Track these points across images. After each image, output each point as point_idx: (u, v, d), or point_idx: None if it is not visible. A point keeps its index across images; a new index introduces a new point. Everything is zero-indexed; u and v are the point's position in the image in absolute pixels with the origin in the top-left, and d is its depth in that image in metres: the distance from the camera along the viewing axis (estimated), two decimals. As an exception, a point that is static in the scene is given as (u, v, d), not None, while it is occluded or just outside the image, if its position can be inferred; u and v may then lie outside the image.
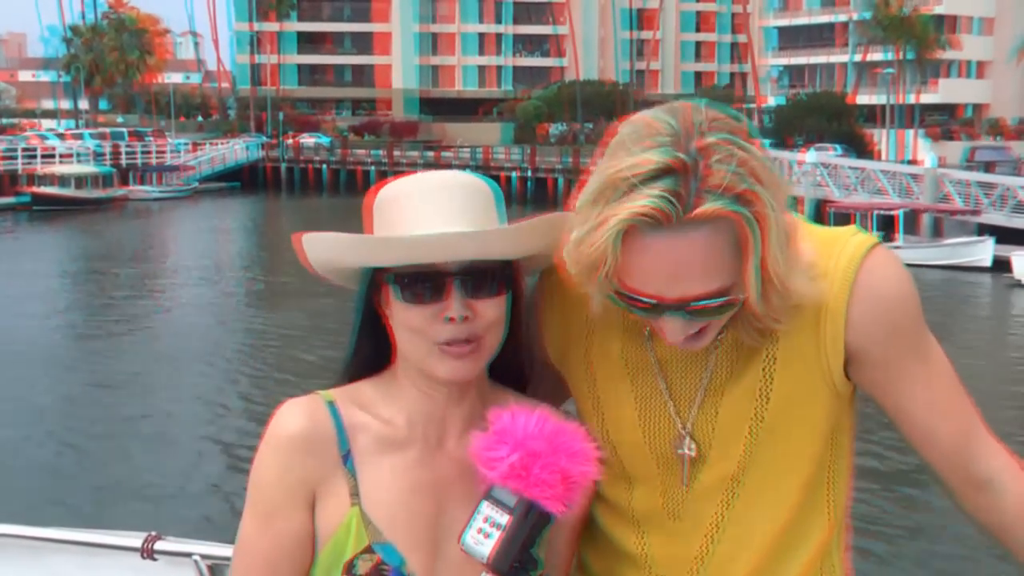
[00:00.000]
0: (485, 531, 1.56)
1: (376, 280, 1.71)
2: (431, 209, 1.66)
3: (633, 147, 1.48)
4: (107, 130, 71.74)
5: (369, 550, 1.66)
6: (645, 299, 1.53)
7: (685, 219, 1.45)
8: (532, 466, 1.56)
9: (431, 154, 68.72)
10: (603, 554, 1.89)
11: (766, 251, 1.49)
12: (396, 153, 68.76)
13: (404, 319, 1.67)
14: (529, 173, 61.85)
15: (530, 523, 1.56)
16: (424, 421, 1.74)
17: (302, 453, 1.69)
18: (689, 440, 1.74)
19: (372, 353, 1.78)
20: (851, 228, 1.73)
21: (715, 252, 1.48)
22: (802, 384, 1.70)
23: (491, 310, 1.66)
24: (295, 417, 1.70)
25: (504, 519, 1.56)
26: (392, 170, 65.82)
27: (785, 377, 1.70)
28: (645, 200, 1.44)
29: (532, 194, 59.43)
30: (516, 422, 1.60)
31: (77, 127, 79.75)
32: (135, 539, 2.88)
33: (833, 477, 1.80)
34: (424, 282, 1.64)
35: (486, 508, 1.58)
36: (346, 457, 1.70)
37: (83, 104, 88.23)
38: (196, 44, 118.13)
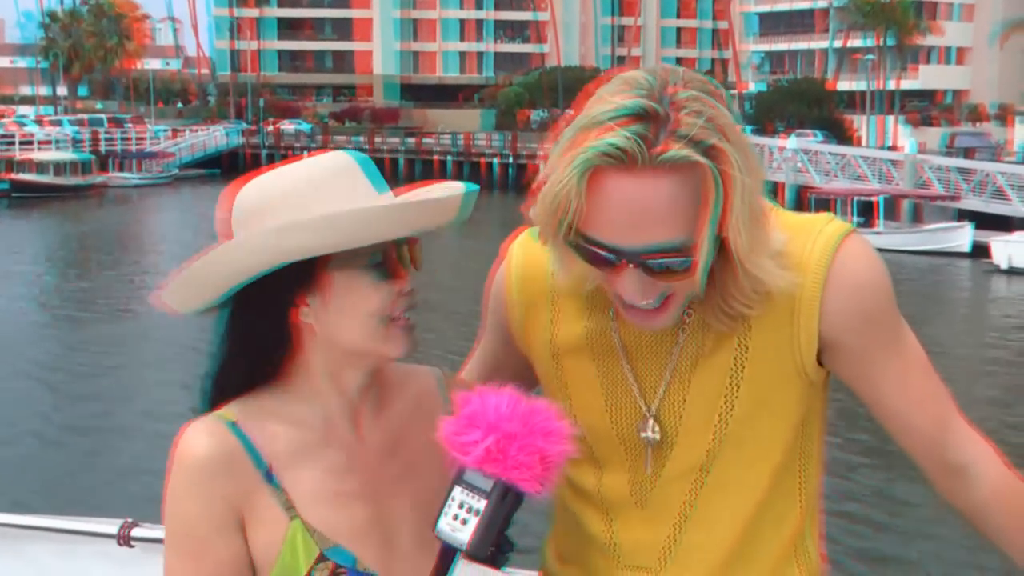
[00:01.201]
0: (461, 517, 1.53)
1: (294, 284, 1.60)
2: (350, 185, 1.62)
3: (608, 98, 1.49)
4: (86, 116, 71.29)
5: (322, 558, 1.60)
6: (606, 247, 1.52)
7: (651, 161, 1.45)
8: (509, 448, 1.52)
9: (412, 140, 68.51)
10: (572, 539, 1.88)
11: (727, 211, 1.48)
12: (377, 139, 68.53)
13: (364, 303, 1.61)
14: (510, 159, 61.66)
15: (507, 506, 1.53)
16: (338, 417, 1.68)
17: (221, 477, 1.58)
18: (653, 423, 1.73)
19: (247, 368, 1.66)
20: (825, 216, 1.71)
21: (678, 202, 1.47)
22: (774, 372, 1.69)
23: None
24: (204, 441, 1.59)
25: (480, 504, 1.53)
26: (373, 156, 64.83)
27: (757, 365, 1.68)
28: (613, 137, 1.45)
29: (513, 180, 59.34)
30: (487, 404, 1.56)
31: (56, 113, 79.29)
32: (111, 526, 2.87)
33: (803, 464, 1.79)
34: (387, 259, 1.63)
35: (459, 493, 1.54)
36: (268, 474, 1.61)
37: (61, 90, 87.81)
38: (175, 30, 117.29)
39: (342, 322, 1.62)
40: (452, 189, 1.69)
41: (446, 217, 1.66)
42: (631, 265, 1.53)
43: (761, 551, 1.77)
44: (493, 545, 1.54)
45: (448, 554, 1.64)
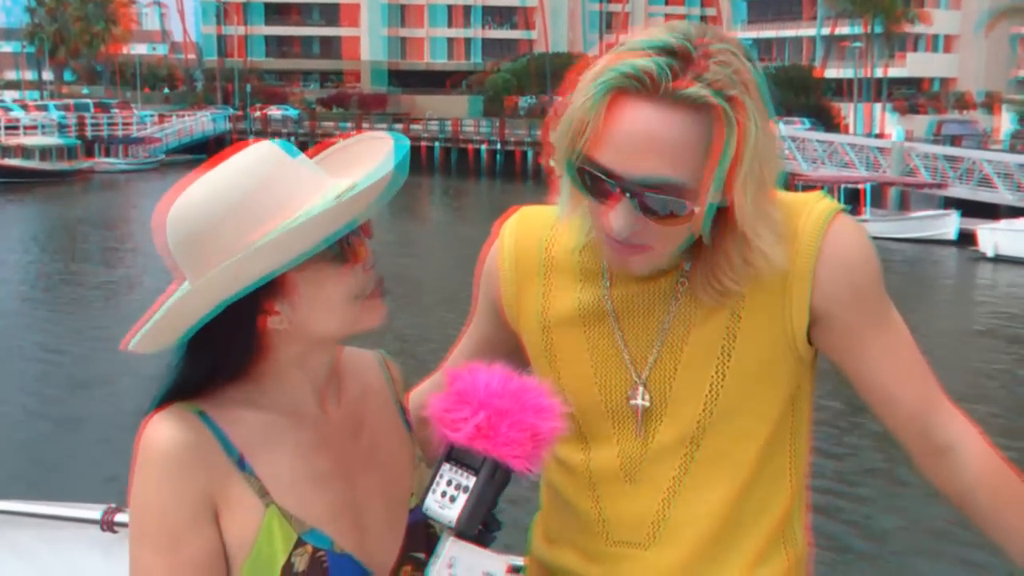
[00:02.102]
0: (449, 494, 1.52)
1: (259, 296, 1.55)
2: (286, 177, 1.56)
3: (646, 32, 1.54)
4: (72, 101, 70.88)
5: (300, 542, 1.57)
6: (607, 172, 1.53)
7: (670, 93, 1.48)
8: (499, 425, 1.52)
9: (400, 126, 68.19)
10: (560, 519, 1.89)
11: (736, 165, 1.50)
12: (364, 126, 68.15)
13: (334, 292, 1.58)
14: (498, 146, 61.60)
15: (496, 484, 1.53)
16: (306, 398, 1.66)
17: (193, 466, 1.54)
18: (643, 390, 1.74)
19: (211, 368, 1.61)
20: (817, 194, 1.75)
21: (687, 140, 1.50)
22: (765, 344, 1.71)
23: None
24: (172, 431, 1.55)
25: (469, 481, 1.52)
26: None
27: (748, 336, 1.70)
28: (639, 61, 1.48)
29: (501, 167, 59.32)
30: (477, 381, 1.55)
31: (41, 98, 78.90)
32: (95, 511, 2.86)
33: (794, 444, 1.81)
34: (342, 243, 1.58)
35: (447, 471, 1.54)
36: (240, 461, 1.57)
37: (47, 75, 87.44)
38: (161, 15, 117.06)
39: (318, 316, 1.60)
40: (380, 149, 1.63)
41: (396, 187, 1.60)
42: (626, 195, 1.54)
43: (750, 531, 1.78)
44: (481, 523, 1.54)
45: (417, 531, 1.64)
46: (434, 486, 1.54)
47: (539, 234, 1.85)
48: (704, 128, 1.50)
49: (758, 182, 1.53)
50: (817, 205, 1.71)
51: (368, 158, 1.62)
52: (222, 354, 1.60)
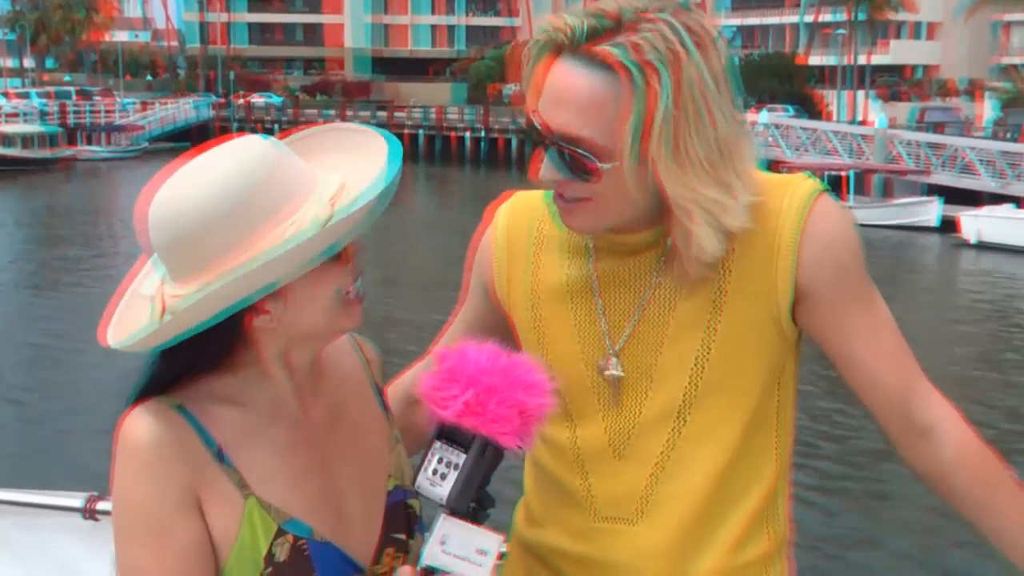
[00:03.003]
0: (440, 472, 1.52)
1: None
2: (272, 179, 1.53)
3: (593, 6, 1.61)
4: (53, 89, 70.71)
5: (280, 532, 1.57)
6: (537, 121, 1.62)
7: (584, 52, 1.56)
8: (488, 402, 1.51)
9: (383, 114, 68.15)
10: (546, 499, 1.90)
11: (647, 134, 1.55)
12: (348, 113, 68.09)
13: (323, 292, 1.57)
14: (482, 133, 61.57)
15: (487, 460, 1.52)
16: (286, 395, 1.66)
17: (174, 458, 1.53)
18: (616, 361, 1.76)
19: (191, 361, 1.60)
20: (801, 174, 1.77)
21: (596, 98, 1.56)
22: (751, 319, 1.72)
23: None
24: (151, 425, 1.54)
25: (460, 458, 1.52)
26: (344, 130, 64.94)
27: (734, 310, 1.72)
28: (572, 19, 1.58)
29: (485, 155, 59.30)
30: (467, 359, 1.55)
31: (23, 86, 78.51)
32: (76, 499, 2.85)
33: (780, 423, 1.82)
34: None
35: (438, 449, 1.53)
36: (219, 454, 1.57)
37: (28, 63, 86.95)
38: (143, 2, 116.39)
39: (306, 316, 1.59)
40: (364, 143, 1.63)
41: (382, 203, 1.57)
42: (545, 144, 1.63)
43: (735, 507, 1.79)
44: (473, 500, 1.53)
45: (396, 513, 1.67)
46: (425, 464, 1.54)
47: (531, 214, 1.88)
48: (615, 90, 1.55)
49: (680, 159, 1.57)
50: (802, 184, 1.73)
51: (350, 150, 1.62)
52: (204, 348, 1.58)
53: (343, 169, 1.58)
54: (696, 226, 1.61)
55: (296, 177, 1.55)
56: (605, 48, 1.55)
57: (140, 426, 1.54)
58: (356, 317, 1.64)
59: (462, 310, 2.01)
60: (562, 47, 1.59)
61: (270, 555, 1.56)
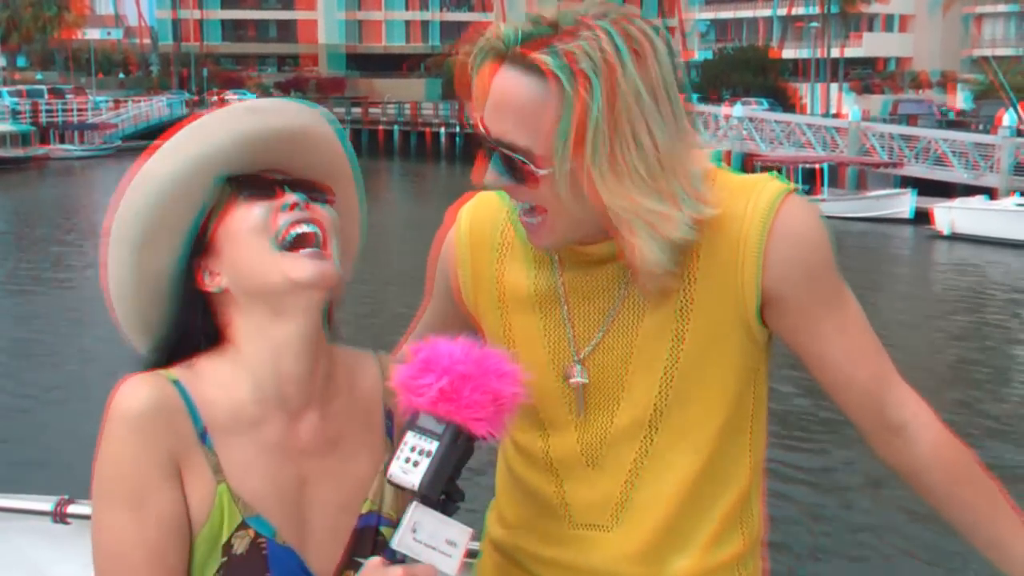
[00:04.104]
0: (413, 460, 1.53)
1: (194, 257, 1.65)
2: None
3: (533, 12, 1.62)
4: (25, 87, 70.12)
5: (243, 525, 1.59)
6: (480, 125, 1.63)
7: (516, 55, 1.56)
8: (462, 389, 1.52)
9: (358, 110, 68.02)
10: (520, 505, 1.89)
11: (579, 141, 1.54)
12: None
13: (245, 224, 1.62)
14: (457, 129, 61.49)
15: (459, 449, 1.53)
16: (276, 390, 1.65)
17: (161, 427, 1.55)
18: (580, 368, 1.76)
19: (187, 338, 1.68)
20: (767, 175, 1.74)
21: (530, 105, 1.56)
22: (718, 326, 1.71)
23: (326, 212, 1.67)
24: (144, 392, 1.56)
25: (432, 446, 1.52)
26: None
27: (702, 319, 1.71)
28: (508, 27, 1.58)
29: (460, 150, 59.23)
30: (441, 350, 1.56)
31: (-6, 85, 77.97)
32: (46, 503, 2.83)
33: (754, 426, 1.82)
34: (255, 183, 1.65)
35: (411, 438, 1.54)
36: (203, 435, 1.59)
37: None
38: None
39: (238, 260, 1.61)
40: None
41: (299, 119, 1.68)
42: (489, 150, 1.63)
43: (709, 511, 1.79)
44: (443, 492, 1.54)
45: (365, 537, 1.67)
46: (399, 453, 1.55)
47: (494, 217, 1.87)
48: (548, 96, 1.55)
49: (617, 169, 1.56)
50: (767, 186, 1.71)
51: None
52: (182, 325, 1.65)
53: None
54: (636, 238, 1.59)
55: None
56: (537, 55, 1.54)
57: (134, 392, 1.56)
58: (304, 267, 1.61)
59: (426, 311, 2.01)
60: (502, 53, 1.59)
61: (229, 545, 1.58)
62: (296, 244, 1.61)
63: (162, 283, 1.65)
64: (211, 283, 1.63)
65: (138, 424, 1.55)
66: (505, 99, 1.58)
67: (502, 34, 1.58)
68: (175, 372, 1.62)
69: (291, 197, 1.63)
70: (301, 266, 1.60)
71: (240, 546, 1.58)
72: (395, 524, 1.72)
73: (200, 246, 1.63)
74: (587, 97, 1.52)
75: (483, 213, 1.88)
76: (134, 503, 1.54)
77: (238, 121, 1.63)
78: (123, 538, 1.54)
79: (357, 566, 1.68)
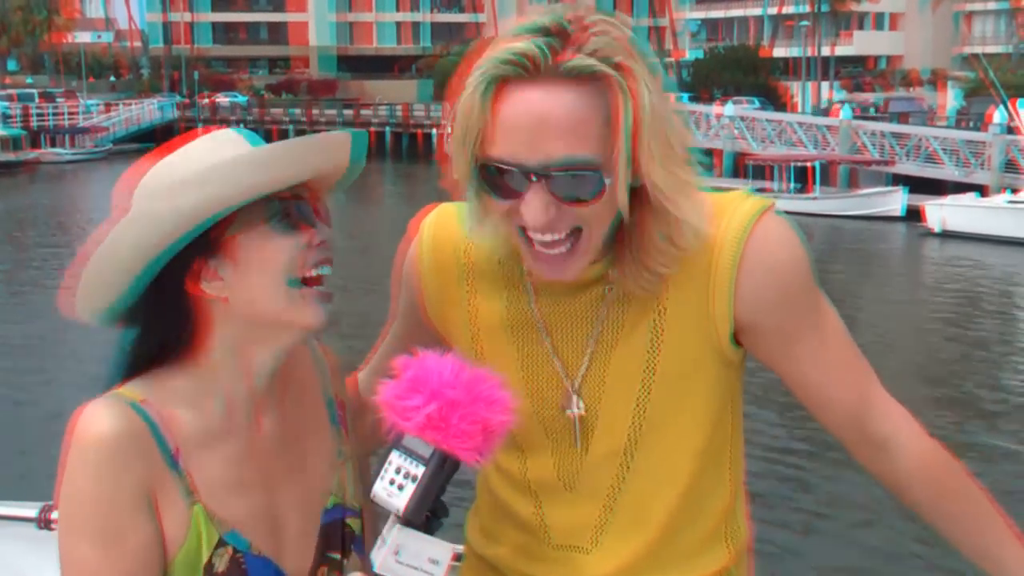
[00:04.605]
0: (398, 482, 1.50)
1: (198, 254, 1.55)
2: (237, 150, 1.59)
3: (519, 21, 1.51)
4: (15, 91, 69.91)
5: (222, 543, 1.56)
6: (510, 164, 1.49)
7: (555, 70, 1.45)
8: (451, 416, 1.49)
9: (349, 112, 67.96)
10: (499, 520, 1.87)
11: (638, 130, 1.47)
12: (314, 112, 68.00)
13: (272, 258, 1.56)
14: (449, 130, 61.42)
15: (445, 474, 1.51)
16: (239, 404, 1.63)
17: (131, 455, 1.50)
18: (577, 399, 1.72)
19: (155, 345, 1.60)
20: (739, 193, 1.69)
21: (583, 114, 1.46)
22: (690, 356, 1.68)
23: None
24: (108, 420, 1.50)
25: (419, 470, 1.50)
26: (311, 129, 65.02)
27: (673, 350, 1.67)
28: (517, 45, 1.46)
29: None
30: (429, 369, 1.52)
31: (-16, 89, 77.80)
32: (31, 509, 2.82)
33: (733, 444, 1.80)
34: (288, 213, 1.58)
35: (396, 458, 1.51)
36: (173, 458, 1.55)
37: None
38: (105, 2, 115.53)
39: (253, 284, 1.56)
40: (338, 135, 1.65)
41: (336, 158, 1.62)
42: (536, 181, 1.49)
43: (692, 531, 1.78)
44: (429, 511, 1.52)
45: (332, 531, 1.66)
46: (383, 473, 1.52)
47: (456, 237, 1.79)
48: (598, 99, 1.46)
49: (665, 148, 1.50)
50: (741, 207, 1.65)
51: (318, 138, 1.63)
52: (161, 319, 1.58)
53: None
54: (689, 215, 1.54)
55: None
56: (580, 60, 1.45)
57: (98, 421, 1.51)
58: (314, 312, 1.60)
59: (393, 327, 1.94)
60: (521, 75, 1.47)
61: (210, 564, 1.56)
62: (311, 280, 1.60)
63: (143, 262, 1.54)
64: (208, 286, 1.57)
65: (106, 456, 1.49)
66: (553, 117, 1.46)
67: (528, 53, 1.45)
68: (136, 392, 1.56)
69: (317, 235, 1.59)
70: (313, 313, 1.59)
71: (220, 564, 1.56)
72: (360, 514, 1.74)
73: (207, 243, 1.55)
74: (638, 85, 1.46)
75: (443, 232, 1.81)
76: (108, 539, 1.50)
77: (304, 161, 1.57)
78: (97, 572, 1.50)
79: (330, 562, 1.68)
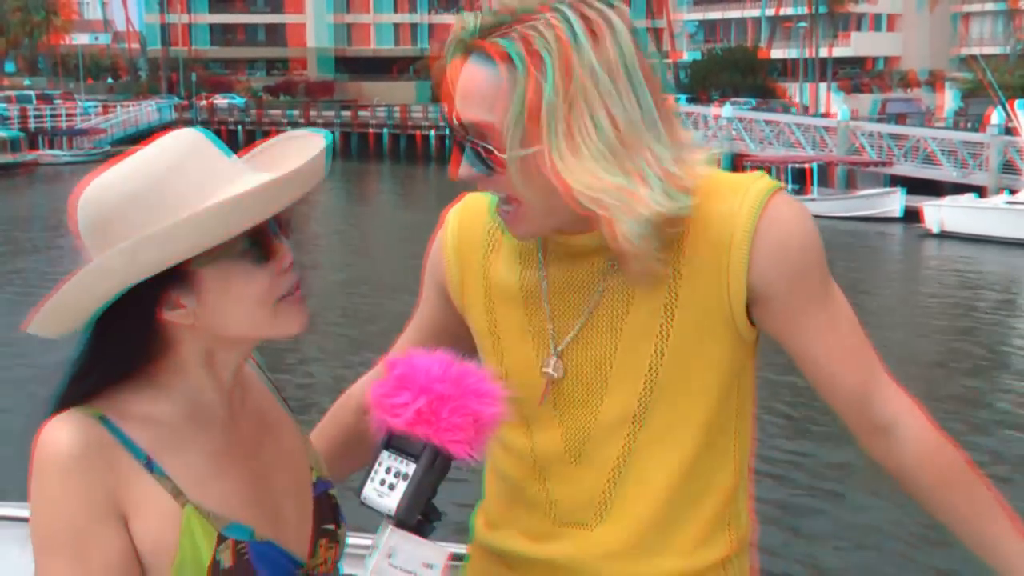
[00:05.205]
0: (388, 482, 1.50)
1: (163, 285, 1.49)
2: (202, 167, 1.51)
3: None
4: (13, 93, 69.99)
5: (222, 538, 1.53)
6: (452, 119, 1.65)
7: (474, 44, 1.60)
8: (441, 410, 1.49)
9: (347, 114, 68.01)
10: (505, 504, 1.89)
11: (534, 120, 1.55)
12: (312, 113, 68.00)
13: (246, 292, 1.52)
14: (447, 131, 61.24)
15: (436, 471, 1.50)
16: (212, 400, 1.60)
17: (98, 467, 1.47)
18: (556, 361, 1.76)
19: (110, 369, 1.55)
20: (756, 174, 1.74)
21: (491, 89, 1.58)
22: (704, 323, 1.70)
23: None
24: (71, 434, 1.47)
25: (409, 468, 1.49)
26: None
27: (687, 315, 1.70)
28: (466, 15, 1.62)
29: (450, 153, 58.95)
30: (417, 367, 1.52)
31: (-19, 91, 77.80)
32: (24, 509, 2.81)
33: (738, 425, 1.81)
34: (259, 239, 1.52)
35: (386, 458, 1.51)
36: (149, 463, 1.51)
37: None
38: (103, 4, 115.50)
39: (227, 315, 1.53)
40: (307, 147, 1.59)
41: (312, 183, 1.56)
42: (460, 143, 1.66)
43: (694, 510, 1.79)
44: (421, 514, 1.51)
45: (322, 504, 1.66)
46: (372, 474, 1.51)
47: (484, 216, 1.87)
48: (504, 80, 1.57)
49: (576, 148, 1.55)
50: (755, 184, 1.70)
51: (296, 155, 1.57)
52: (121, 345, 1.53)
53: (280, 169, 1.53)
54: (611, 216, 1.57)
55: (220, 169, 1.52)
56: (490, 40, 1.57)
57: (60, 436, 1.48)
58: (296, 320, 1.58)
59: (418, 313, 2.00)
60: (466, 46, 1.61)
61: (215, 563, 1.52)
62: (286, 296, 1.57)
63: (101, 303, 1.49)
64: (172, 314, 1.52)
65: (71, 470, 1.46)
66: (469, 88, 1.60)
67: (464, 25, 1.61)
68: (96, 407, 1.52)
69: (287, 257, 1.56)
70: (296, 321, 1.57)
71: (226, 560, 1.52)
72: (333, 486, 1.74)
73: (171, 274, 1.48)
74: (539, 76, 1.54)
75: (472, 214, 1.89)
76: (76, 552, 1.47)
77: (278, 201, 1.51)
78: None
79: (327, 533, 1.68)
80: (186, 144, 1.53)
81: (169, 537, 1.51)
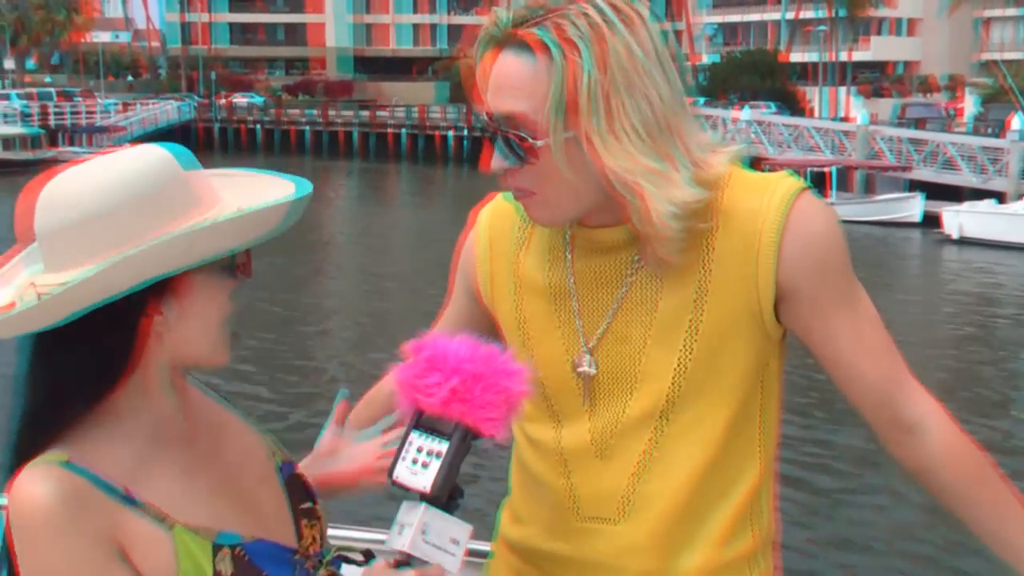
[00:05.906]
0: (422, 461, 1.52)
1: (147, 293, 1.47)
2: (213, 184, 1.56)
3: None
4: (34, 90, 70.19)
5: (217, 548, 1.53)
6: (484, 112, 1.67)
7: (509, 35, 1.63)
8: (474, 388, 1.51)
9: (366, 114, 67.93)
10: (530, 499, 1.91)
11: (575, 105, 1.58)
12: (331, 113, 67.94)
13: (219, 310, 1.56)
14: (465, 132, 61.35)
15: (464, 448, 1.52)
16: (171, 416, 1.60)
17: (82, 515, 1.43)
18: (589, 358, 1.78)
19: (74, 398, 1.50)
20: (783, 173, 1.76)
21: (526, 79, 1.61)
22: (733, 319, 1.72)
23: None
24: (45, 487, 1.42)
25: (442, 446, 1.51)
26: (327, 130, 65.18)
27: (716, 310, 1.72)
28: (499, 11, 1.65)
29: (468, 153, 59.16)
30: (444, 348, 1.54)
31: (3, 87, 78.06)
32: None
33: (764, 421, 1.82)
34: (238, 262, 1.58)
35: (417, 438, 1.53)
36: (125, 498, 1.48)
37: (9, 64, 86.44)
38: (124, 2, 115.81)
39: (194, 331, 1.55)
40: (279, 185, 1.60)
41: (278, 222, 1.55)
42: (493, 135, 1.67)
43: (718, 507, 1.80)
44: (453, 489, 1.53)
45: (293, 485, 1.70)
46: (403, 455, 1.54)
47: (514, 216, 1.89)
48: (541, 70, 1.60)
49: (616, 130, 1.59)
50: (783, 183, 1.73)
51: (261, 187, 1.60)
52: (98, 355, 1.50)
53: (250, 198, 1.54)
54: (646, 198, 1.60)
55: (201, 191, 1.54)
56: (526, 30, 1.61)
57: (34, 493, 1.43)
58: (227, 353, 1.61)
59: (448, 310, 2.03)
60: (498, 39, 1.65)
61: (217, 574, 1.52)
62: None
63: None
64: (155, 323, 1.52)
65: (57, 523, 1.42)
66: (503, 80, 1.63)
67: (497, 18, 1.65)
68: (57, 453, 1.48)
69: (243, 278, 1.60)
70: (227, 355, 1.61)
71: (227, 567, 1.53)
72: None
73: (162, 286, 1.49)
74: (577, 62, 1.57)
75: (503, 212, 1.91)
76: None
77: (255, 232, 1.52)
78: None
79: (306, 512, 1.71)
80: (165, 159, 1.54)
81: (167, 561, 1.49)
